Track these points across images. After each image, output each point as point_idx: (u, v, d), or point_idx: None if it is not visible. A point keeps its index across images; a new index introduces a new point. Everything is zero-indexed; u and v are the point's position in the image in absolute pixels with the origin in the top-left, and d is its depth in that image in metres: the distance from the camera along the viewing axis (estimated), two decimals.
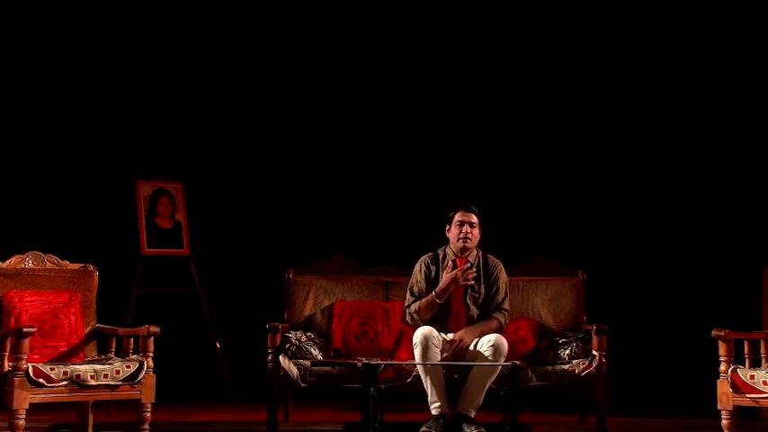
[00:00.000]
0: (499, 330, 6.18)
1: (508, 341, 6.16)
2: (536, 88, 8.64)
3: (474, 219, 6.27)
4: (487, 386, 5.96)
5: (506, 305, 6.28)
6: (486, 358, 5.97)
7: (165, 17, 8.57)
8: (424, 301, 6.18)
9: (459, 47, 8.64)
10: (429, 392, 5.98)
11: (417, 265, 6.34)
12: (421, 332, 6.00)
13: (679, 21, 8.43)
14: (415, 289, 6.28)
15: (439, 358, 5.98)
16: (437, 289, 6.15)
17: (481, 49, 8.64)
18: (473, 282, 6.18)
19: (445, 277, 6.14)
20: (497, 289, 6.28)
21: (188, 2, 8.61)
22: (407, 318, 6.24)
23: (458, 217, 6.28)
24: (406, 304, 6.27)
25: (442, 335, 6.12)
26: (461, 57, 8.65)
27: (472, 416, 5.96)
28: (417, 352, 5.97)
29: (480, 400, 5.99)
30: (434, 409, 5.96)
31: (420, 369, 5.98)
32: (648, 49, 8.50)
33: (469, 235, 6.24)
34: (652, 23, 8.47)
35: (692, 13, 8.39)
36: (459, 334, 6.09)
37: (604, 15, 8.49)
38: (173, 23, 8.59)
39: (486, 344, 6.02)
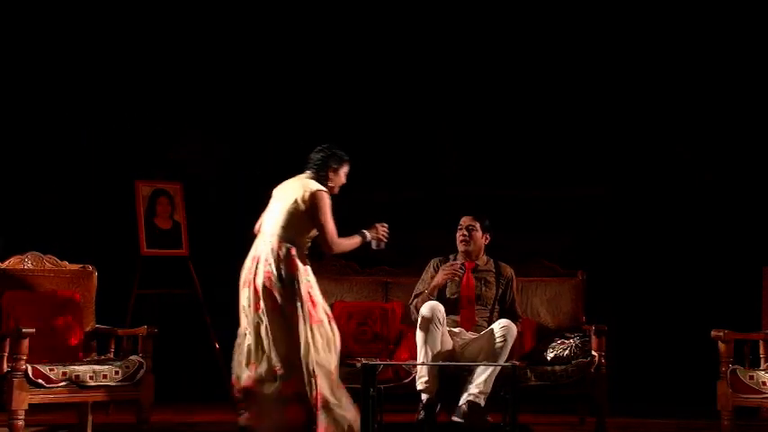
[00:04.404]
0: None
1: None
2: (535, 91, 8.63)
3: (474, 222, 6.38)
4: (496, 372, 5.88)
5: (517, 308, 6.42)
6: (493, 336, 5.98)
7: (165, 18, 8.57)
8: (422, 296, 6.26)
9: (461, 49, 8.64)
10: (418, 369, 5.99)
11: (428, 265, 6.46)
12: (428, 305, 6.04)
13: (677, 22, 8.43)
14: (421, 287, 6.37)
15: (440, 332, 5.98)
16: (430, 286, 6.24)
17: (482, 51, 8.65)
18: (457, 278, 6.23)
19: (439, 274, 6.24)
20: (512, 298, 6.40)
21: (187, 4, 8.61)
22: (411, 313, 6.31)
23: (461, 221, 6.42)
24: (410, 300, 6.35)
25: (451, 334, 6.15)
26: (462, 58, 8.66)
27: (482, 403, 5.88)
28: (421, 323, 6.00)
29: (489, 387, 5.89)
30: (420, 383, 5.96)
31: (419, 340, 5.98)
32: (647, 50, 8.50)
33: (467, 238, 6.35)
34: (651, 26, 8.47)
35: (689, 16, 8.39)
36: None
37: (603, 19, 8.49)
38: (173, 24, 8.58)
39: (497, 326, 6.04)
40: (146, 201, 7.94)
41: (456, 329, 6.21)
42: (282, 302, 5.45)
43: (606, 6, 8.47)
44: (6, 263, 6.25)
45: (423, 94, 8.70)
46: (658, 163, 8.58)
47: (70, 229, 8.32)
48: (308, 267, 5.58)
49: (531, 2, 8.59)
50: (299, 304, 5.45)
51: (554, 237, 8.48)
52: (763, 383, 5.60)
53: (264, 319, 5.45)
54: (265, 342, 5.45)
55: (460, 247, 6.39)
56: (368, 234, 5.80)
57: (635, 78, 8.53)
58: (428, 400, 5.96)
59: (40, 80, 8.45)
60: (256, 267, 5.52)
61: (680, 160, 8.56)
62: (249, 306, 5.50)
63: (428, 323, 5.99)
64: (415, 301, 6.31)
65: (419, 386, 5.98)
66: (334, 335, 5.54)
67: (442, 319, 6.03)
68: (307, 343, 5.39)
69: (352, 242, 5.74)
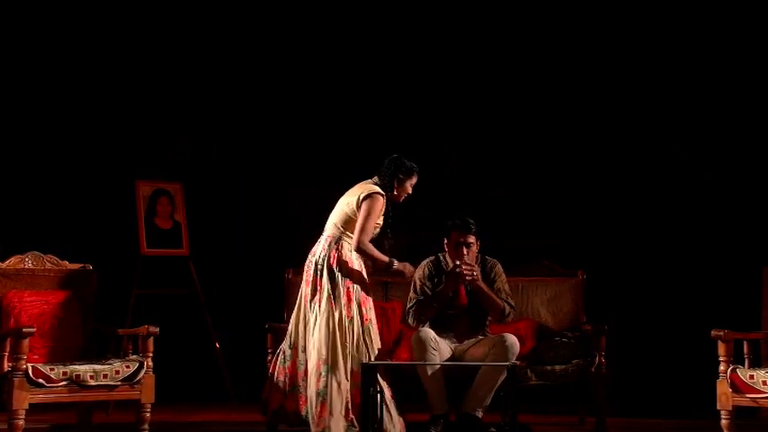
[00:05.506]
0: (503, 315, 6.16)
1: None
2: (535, 91, 8.64)
3: (471, 238, 6.19)
4: (497, 386, 5.85)
5: (511, 301, 6.25)
6: (496, 348, 5.92)
7: (165, 18, 8.57)
8: (424, 300, 6.17)
9: (461, 49, 8.65)
10: (430, 400, 5.94)
11: (419, 269, 6.28)
12: (418, 335, 5.94)
13: (677, 22, 8.44)
14: (419, 288, 6.24)
15: (437, 354, 5.91)
16: (437, 290, 6.14)
17: (481, 51, 8.65)
18: (475, 278, 6.08)
19: (447, 278, 6.11)
20: (499, 289, 6.24)
21: (187, 4, 8.61)
22: (409, 318, 6.22)
23: (454, 238, 6.21)
24: (409, 305, 6.24)
25: (447, 342, 6.10)
26: (462, 59, 8.66)
27: (480, 416, 5.89)
28: (416, 353, 5.94)
29: (488, 401, 5.90)
30: (437, 410, 5.91)
31: (419, 369, 5.94)
32: (648, 50, 8.50)
33: (468, 257, 6.16)
34: (651, 26, 8.48)
35: (690, 16, 8.40)
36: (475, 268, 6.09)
37: (603, 18, 8.50)
38: (173, 24, 8.59)
39: (500, 340, 5.97)
40: (146, 201, 7.94)
41: (452, 335, 6.18)
42: (321, 293, 5.80)
43: (606, 6, 8.47)
44: (6, 263, 6.26)
45: (423, 94, 8.70)
46: (658, 163, 8.58)
47: (70, 229, 8.32)
48: (355, 266, 5.86)
49: (531, 2, 8.59)
50: (333, 295, 5.77)
51: (554, 236, 8.48)
52: (764, 383, 5.60)
53: (311, 308, 5.82)
54: (312, 330, 5.78)
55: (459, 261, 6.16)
56: (395, 264, 5.97)
57: (635, 78, 8.52)
58: (441, 414, 5.93)
59: (39, 80, 8.46)
60: (308, 261, 5.93)
61: (680, 160, 8.56)
62: (302, 297, 5.90)
63: (424, 352, 5.87)
64: (413, 310, 6.18)
65: (435, 412, 5.89)
66: (365, 335, 5.81)
67: (434, 342, 5.92)
68: (334, 333, 5.73)
69: (377, 255, 5.95)
